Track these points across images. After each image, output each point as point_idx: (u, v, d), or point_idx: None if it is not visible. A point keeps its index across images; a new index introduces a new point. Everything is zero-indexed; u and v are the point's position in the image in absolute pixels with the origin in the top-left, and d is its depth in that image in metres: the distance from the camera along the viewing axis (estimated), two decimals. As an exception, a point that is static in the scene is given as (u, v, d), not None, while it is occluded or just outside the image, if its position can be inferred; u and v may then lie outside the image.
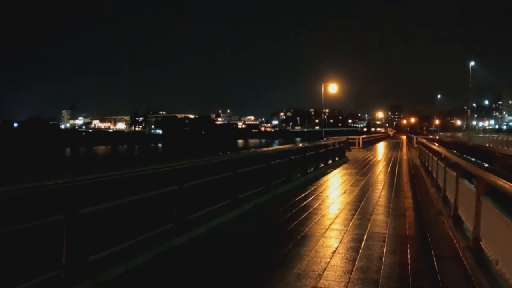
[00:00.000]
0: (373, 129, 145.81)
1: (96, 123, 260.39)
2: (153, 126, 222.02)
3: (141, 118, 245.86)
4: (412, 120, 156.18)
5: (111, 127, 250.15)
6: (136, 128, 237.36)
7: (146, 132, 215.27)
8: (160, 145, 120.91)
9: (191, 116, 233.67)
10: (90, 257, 4.58)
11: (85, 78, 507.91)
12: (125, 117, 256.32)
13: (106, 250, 4.80)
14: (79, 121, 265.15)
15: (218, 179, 7.91)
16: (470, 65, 52.86)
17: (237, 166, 8.57)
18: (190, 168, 6.80)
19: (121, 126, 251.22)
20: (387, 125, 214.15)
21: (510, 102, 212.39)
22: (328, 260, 5.28)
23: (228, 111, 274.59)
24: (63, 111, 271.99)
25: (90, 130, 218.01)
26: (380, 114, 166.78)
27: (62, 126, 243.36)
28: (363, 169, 17.85)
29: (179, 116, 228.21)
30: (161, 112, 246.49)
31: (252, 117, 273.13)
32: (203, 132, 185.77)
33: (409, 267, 5.01)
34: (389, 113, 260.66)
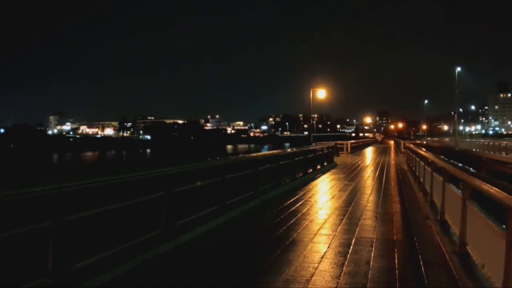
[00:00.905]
0: (361, 134, 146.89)
1: (84, 129, 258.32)
2: (141, 132, 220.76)
3: (129, 124, 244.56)
4: (400, 125, 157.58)
5: (99, 132, 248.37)
6: (124, 134, 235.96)
7: (134, 137, 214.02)
8: (148, 150, 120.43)
9: (180, 121, 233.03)
10: (77, 264, 4.52)
11: (72, 83, 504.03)
12: (113, 123, 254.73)
13: (93, 257, 4.75)
14: (67, 126, 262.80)
15: (206, 184, 7.89)
16: (456, 71, 53.57)
17: (226, 172, 8.56)
18: (178, 173, 6.76)
19: (109, 131, 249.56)
20: (375, 130, 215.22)
21: (496, 107, 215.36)
22: (316, 265, 5.28)
23: (217, 116, 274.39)
24: (50, 117, 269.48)
25: (77, 136, 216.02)
26: (368, 120, 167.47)
27: (49, 132, 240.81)
28: (352, 174, 17.93)
29: (167, 121, 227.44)
30: (149, 118, 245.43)
31: (241, 123, 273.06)
32: (192, 137, 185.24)
33: (397, 271, 5.04)
34: (377, 118, 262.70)
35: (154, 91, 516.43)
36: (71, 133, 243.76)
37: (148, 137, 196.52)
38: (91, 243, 4.87)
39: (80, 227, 4.62)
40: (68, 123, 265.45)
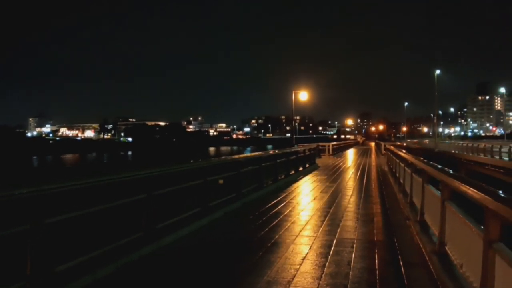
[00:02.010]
0: (343, 136, 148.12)
1: (64, 131, 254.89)
2: (122, 134, 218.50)
3: (110, 126, 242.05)
4: (381, 127, 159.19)
5: (79, 135, 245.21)
6: (105, 136, 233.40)
7: (115, 139, 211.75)
8: (130, 153, 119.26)
9: (162, 123, 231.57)
10: (57, 267, 4.46)
11: (53, 85, 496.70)
12: (94, 125, 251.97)
13: (73, 261, 4.69)
14: (46, 129, 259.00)
15: (188, 186, 7.85)
16: (436, 74, 54.44)
17: (208, 174, 8.54)
18: (160, 176, 6.73)
19: (89, 134, 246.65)
20: (356, 132, 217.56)
21: (474, 109, 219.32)
22: (298, 266, 5.30)
23: (200, 118, 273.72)
24: (30, 119, 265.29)
25: (57, 138, 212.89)
26: (349, 121, 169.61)
27: (29, 134, 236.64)
28: (333, 176, 18.05)
29: (149, 123, 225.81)
30: (131, 120, 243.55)
31: (223, 125, 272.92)
32: (174, 139, 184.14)
33: (377, 272, 5.09)
34: (359, 120, 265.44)
35: (136, 93, 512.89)
36: (50, 135, 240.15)
37: (130, 139, 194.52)
38: (71, 246, 4.81)
39: (60, 230, 4.56)
40: (47, 125, 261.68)
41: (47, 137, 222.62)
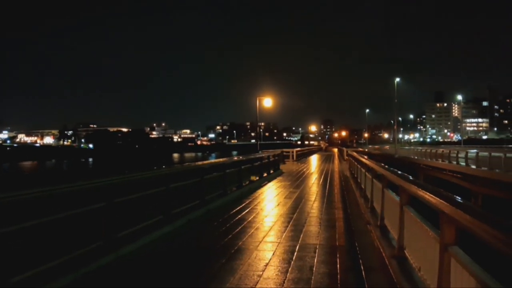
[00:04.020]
0: (306, 142, 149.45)
1: (22, 138, 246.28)
2: (83, 140, 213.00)
3: (70, 132, 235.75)
4: (343, 133, 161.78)
5: (38, 141, 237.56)
6: (65, 143, 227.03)
7: (75, 146, 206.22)
8: (90, 160, 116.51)
9: (124, 129, 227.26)
10: (12, 278, 4.28)
11: (10, 91, 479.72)
12: (53, 131, 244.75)
13: (28, 272, 4.51)
14: (3, 135, 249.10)
15: (150, 194, 7.73)
16: (395, 82, 56.00)
17: (171, 181, 8.43)
18: (121, 183, 6.60)
19: (48, 140, 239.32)
20: (319, 138, 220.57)
21: (433, 116, 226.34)
22: (261, 273, 5.30)
23: (163, 124, 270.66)
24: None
25: (15, 145, 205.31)
26: (313, 128, 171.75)
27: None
28: (297, 182, 18.20)
29: (111, 129, 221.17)
30: (92, 126, 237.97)
31: (188, 131, 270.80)
32: (137, 146, 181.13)
33: (339, 276, 5.15)
34: (322, 127, 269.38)
35: (97, 99, 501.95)
36: (8, 141, 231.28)
37: (91, 145, 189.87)
38: (27, 256, 4.63)
39: (14, 241, 4.39)
40: (5, 132, 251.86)
41: (4, 144, 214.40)
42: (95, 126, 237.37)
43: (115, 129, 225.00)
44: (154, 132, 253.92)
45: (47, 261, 4.84)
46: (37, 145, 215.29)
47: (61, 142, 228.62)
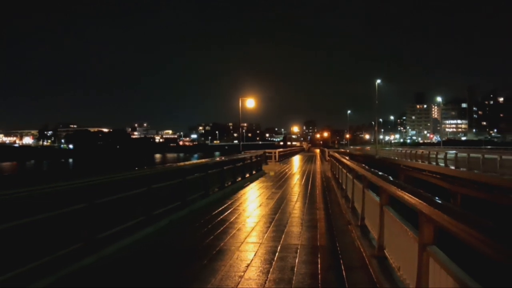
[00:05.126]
0: (289, 143, 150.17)
1: (1, 138, 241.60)
2: (63, 141, 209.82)
3: (50, 132, 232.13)
4: (325, 134, 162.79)
5: (17, 141, 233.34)
6: (45, 143, 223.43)
7: (55, 146, 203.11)
8: (71, 160, 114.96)
9: (105, 130, 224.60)
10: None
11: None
12: (33, 131, 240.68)
13: (8, 273, 4.44)
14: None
15: (132, 195, 7.66)
16: (376, 83, 56.59)
17: (152, 182, 8.38)
18: (102, 184, 6.52)
19: (28, 140, 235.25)
20: (302, 139, 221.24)
21: (413, 117, 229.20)
22: (242, 273, 5.30)
23: (145, 125, 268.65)
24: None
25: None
26: (295, 129, 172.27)
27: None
28: (279, 182, 18.25)
29: (92, 130, 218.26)
30: (72, 126, 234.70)
31: (170, 131, 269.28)
32: (118, 146, 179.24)
33: (320, 276, 5.18)
34: (304, 128, 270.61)
35: (77, 99, 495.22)
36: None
37: (71, 146, 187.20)
38: (6, 258, 4.55)
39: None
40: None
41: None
42: (75, 126, 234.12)
43: (95, 129, 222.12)
44: (135, 133, 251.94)
45: (28, 262, 4.77)
46: (16, 145, 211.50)
47: (41, 142, 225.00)
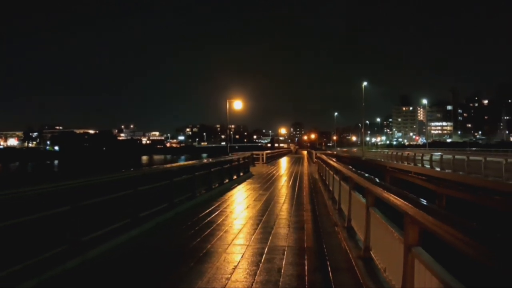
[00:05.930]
0: (276, 145, 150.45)
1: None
2: (48, 142, 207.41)
3: (35, 134, 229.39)
4: (313, 136, 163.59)
5: (1, 143, 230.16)
6: (30, 144, 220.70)
7: (41, 148, 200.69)
8: (56, 162, 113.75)
9: (91, 131, 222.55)
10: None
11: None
12: (18, 133, 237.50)
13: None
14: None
15: (117, 197, 7.60)
16: (363, 85, 57.02)
17: (139, 183, 8.32)
18: (87, 186, 6.47)
19: (12, 142, 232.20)
20: (289, 141, 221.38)
21: (399, 119, 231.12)
22: (229, 276, 5.29)
23: (132, 126, 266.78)
24: None
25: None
26: (283, 131, 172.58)
27: None
28: (266, 184, 18.26)
29: (77, 131, 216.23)
30: (57, 128, 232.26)
31: (157, 133, 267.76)
32: (104, 148, 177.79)
33: (306, 278, 5.19)
34: (292, 130, 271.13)
35: (63, 100, 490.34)
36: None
37: (56, 147, 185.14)
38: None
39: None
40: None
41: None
42: (61, 128, 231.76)
43: (81, 131, 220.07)
44: (122, 134, 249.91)
45: (9, 266, 4.70)
46: (1, 147, 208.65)
47: (26, 144, 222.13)
